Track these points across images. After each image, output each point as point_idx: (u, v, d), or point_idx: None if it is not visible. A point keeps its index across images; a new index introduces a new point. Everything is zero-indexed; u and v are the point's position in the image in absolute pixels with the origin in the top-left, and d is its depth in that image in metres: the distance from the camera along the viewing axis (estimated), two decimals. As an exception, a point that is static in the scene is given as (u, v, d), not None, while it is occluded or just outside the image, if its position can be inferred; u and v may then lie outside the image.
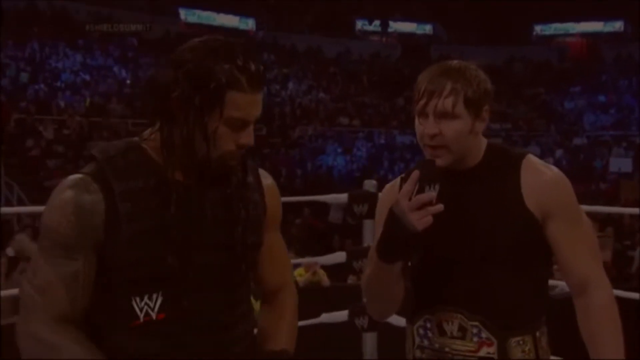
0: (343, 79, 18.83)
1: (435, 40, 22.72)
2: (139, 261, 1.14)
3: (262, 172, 1.31)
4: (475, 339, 1.31)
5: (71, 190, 1.14)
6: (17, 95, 12.85)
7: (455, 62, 1.33)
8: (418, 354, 1.38)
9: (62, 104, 13.05)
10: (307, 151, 14.64)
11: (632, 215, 6.47)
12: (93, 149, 1.19)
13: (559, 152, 15.48)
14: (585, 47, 21.89)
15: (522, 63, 20.97)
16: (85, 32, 15.72)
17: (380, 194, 1.46)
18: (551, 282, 1.41)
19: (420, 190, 1.20)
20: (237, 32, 20.33)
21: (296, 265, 4.73)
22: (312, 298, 3.40)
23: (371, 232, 3.13)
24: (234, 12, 20.65)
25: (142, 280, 1.15)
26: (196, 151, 1.14)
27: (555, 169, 1.38)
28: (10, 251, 5.34)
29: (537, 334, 1.33)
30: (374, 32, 22.36)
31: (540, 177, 1.33)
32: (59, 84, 14.20)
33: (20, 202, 9.84)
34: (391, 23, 21.77)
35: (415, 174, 1.21)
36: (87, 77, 14.85)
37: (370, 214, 3.03)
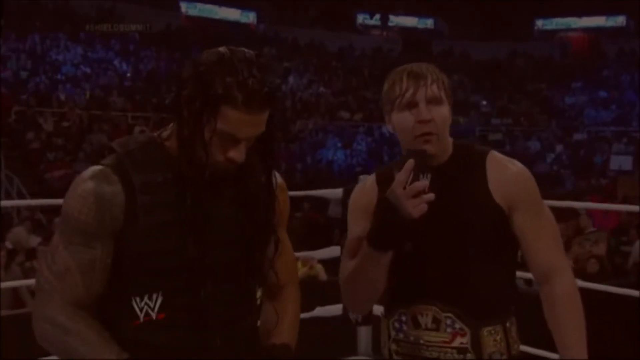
0: (344, 73, 18.81)
1: (437, 35, 22.68)
2: (154, 252, 1.17)
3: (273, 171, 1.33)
4: (449, 330, 1.35)
5: (92, 181, 1.17)
6: (18, 88, 12.85)
7: (414, 63, 1.39)
8: (394, 347, 1.42)
9: (62, 96, 13.06)
10: (307, 145, 14.64)
11: (630, 212, 6.49)
12: (113, 142, 1.23)
13: (559, 147, 15.47)
14: (587, 42, 21.83)
15: (524, 58, 20.93)
16: (87, 24, 15.73)
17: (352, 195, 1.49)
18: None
19: (415, 179, 1.23)
20: (238, 26, 20.31)
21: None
22: (308, 292, 3.41)
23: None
24: (236, 5, 20.60)
25: (155, 271, 1.18)
26: (195, 152, 1.16)
27: (519, 164, 1.43)
28: (8, 243, 5.38)
29: (508, 324, 1.38)
30: (375, 27, 22.32)
31: (505, 172, 1.39)
32: (59, 76, 14.21)
33: (20, 195, 9.87)
34: (392, 17, 21.75)
35: (410, 163, 1.24)
36: (88, 70, 14.86)
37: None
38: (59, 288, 1.17)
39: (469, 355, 1.35)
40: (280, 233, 1.32)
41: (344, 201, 3.12)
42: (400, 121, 1.36)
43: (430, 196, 1.23)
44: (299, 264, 4.91)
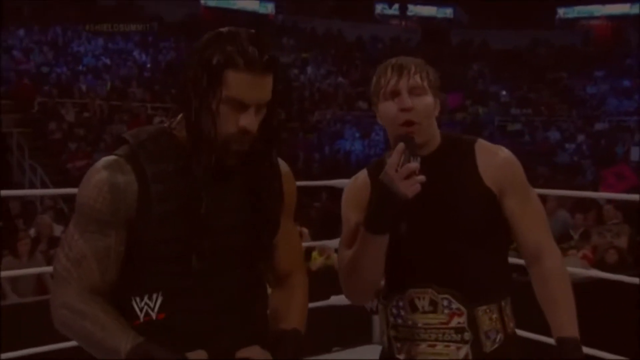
0: (362, 64, 18.75)
1: (456, 24, 22.47)
2: (168, 239, 1.20)
3: (279, 160, 1.35)
4: (446, 311, 1.39)
5: (106, 171, 1.20)
6: (40, 79, 13.03)
7: (401, 57, 1.44)
8: (392, 333, 1.45)
9: (83, 87, 13.21)
10: (325, 136, 14.65)
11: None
12: (125, 134, 1.25)
13: (580, 137, 15.29)
14: (610, 31, 21.47)
15: (545, 47, 20.65)
16: (107, 16, 15.84)
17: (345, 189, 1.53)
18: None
19: (407, 161, 1.28)
20: (257, 16, 20.31)
21: (310, 249, 4.80)
22: (324, 281, 3.45)
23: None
24: (254, -4, 20.62)
25: (168, 258, 1.20)
26: (203, 131, 1.18)
27: (506, 150, 1.47)
28: (32, 231, 5.49)
29: (503, 303, 1.42)
30: (393, 16, 22.17)
31: (495, 157, 1.44)
32: (80, 67, 14.37)
33: (43, 184, 10.04)
34: (411, 7, 21.55)
35: (401, 146, 1.29)
36: (108, 61, 15.00)
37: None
38: (75, 275, 1.20)
39: (466, 335, 1.38)
40: (286, 221, 1.34)
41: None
42: (384, 110, 1.41)
43: (422, 178, 1.28)
44: (316, 254, 4.95)
